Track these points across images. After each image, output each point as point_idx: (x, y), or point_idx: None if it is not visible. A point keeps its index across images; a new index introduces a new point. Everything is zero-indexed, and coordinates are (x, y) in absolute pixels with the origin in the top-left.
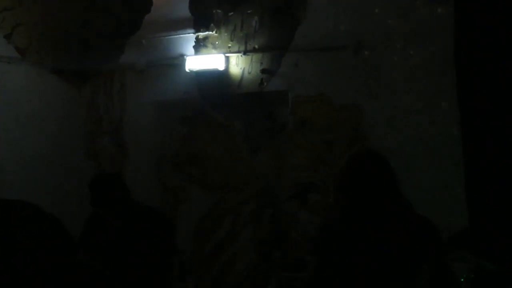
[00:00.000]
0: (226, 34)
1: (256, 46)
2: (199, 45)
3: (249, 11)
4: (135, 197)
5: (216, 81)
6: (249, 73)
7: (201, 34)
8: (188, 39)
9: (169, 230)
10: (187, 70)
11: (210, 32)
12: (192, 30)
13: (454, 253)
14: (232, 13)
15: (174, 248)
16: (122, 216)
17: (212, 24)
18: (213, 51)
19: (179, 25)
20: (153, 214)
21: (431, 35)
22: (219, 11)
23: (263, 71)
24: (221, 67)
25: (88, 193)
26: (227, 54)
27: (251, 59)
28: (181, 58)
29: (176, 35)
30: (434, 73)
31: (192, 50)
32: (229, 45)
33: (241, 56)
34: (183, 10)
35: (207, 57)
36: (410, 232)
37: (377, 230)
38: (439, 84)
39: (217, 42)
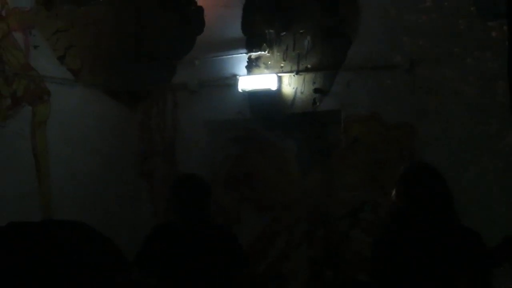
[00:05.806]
0: (278, 54)
1: (309, 66)
2: (252, 65)
3: (301, 31)
4: None
5: (269, 101)
6: (302, 92)
7: (254, 54)
8: (240, 59)
9: (239, 246)
10: (239, 90)
11: (263, 52)
12: (245, 50)
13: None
14: (284, 33)
15: (247, 264)
16: (198, 226)
17: (264, 44)
18: (266, 71)
19: (232, 45)
20: (223, 230)
21: (484, 52)
22: (271, 31)
23: (315, 90)
24: (273, 87)
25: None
26: (279, 74)
27: (304, 78)
28: (233, 78)
29: (228, 55)
30: (487, 91)
31: (244, 70)
32: (282, 65)
33: (294, 75)
34: (236, 30)
35: (260, 77)
36: (458, 246)
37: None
38: (493, 103)
39: (269, 62)
